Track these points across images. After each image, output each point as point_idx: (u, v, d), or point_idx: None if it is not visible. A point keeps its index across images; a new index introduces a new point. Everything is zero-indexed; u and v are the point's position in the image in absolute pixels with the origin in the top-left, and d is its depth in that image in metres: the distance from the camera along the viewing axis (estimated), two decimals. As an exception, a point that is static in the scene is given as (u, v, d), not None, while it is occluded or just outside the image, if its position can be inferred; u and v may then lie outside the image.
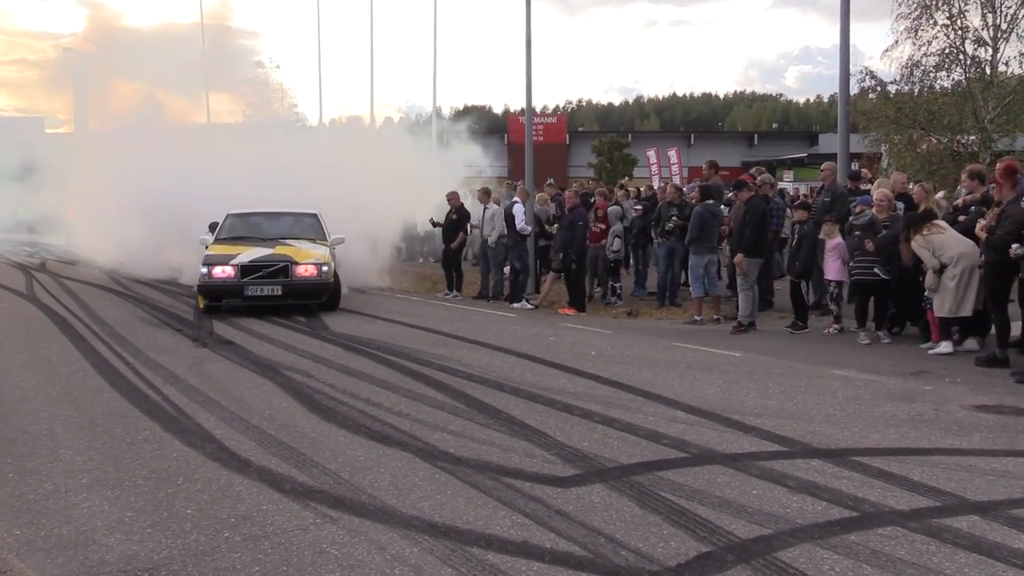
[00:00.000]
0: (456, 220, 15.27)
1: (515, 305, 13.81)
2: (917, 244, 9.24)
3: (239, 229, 13.93)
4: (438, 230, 16.81)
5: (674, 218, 12.87)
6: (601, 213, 13.94)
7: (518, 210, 14.20)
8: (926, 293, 9.43)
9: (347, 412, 6.79)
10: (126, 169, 18.11)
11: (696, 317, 11.80)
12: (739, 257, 11.10)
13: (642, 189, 18.79)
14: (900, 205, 10.77)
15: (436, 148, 25.95)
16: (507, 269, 14.60)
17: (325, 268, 12.61)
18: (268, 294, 12.36)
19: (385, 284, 17.45)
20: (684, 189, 16.29)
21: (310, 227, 14.15)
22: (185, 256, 16.15)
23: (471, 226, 15.79)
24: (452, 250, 15.26)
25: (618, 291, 13.87)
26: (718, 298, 12.07)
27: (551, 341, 10.36)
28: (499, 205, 14.97)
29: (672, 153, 31.23)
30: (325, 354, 9.37)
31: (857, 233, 10.05)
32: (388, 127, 27.85)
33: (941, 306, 9.12)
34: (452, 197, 15.71)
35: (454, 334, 10.81)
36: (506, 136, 54.80)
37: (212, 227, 14.52)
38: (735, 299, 12.01)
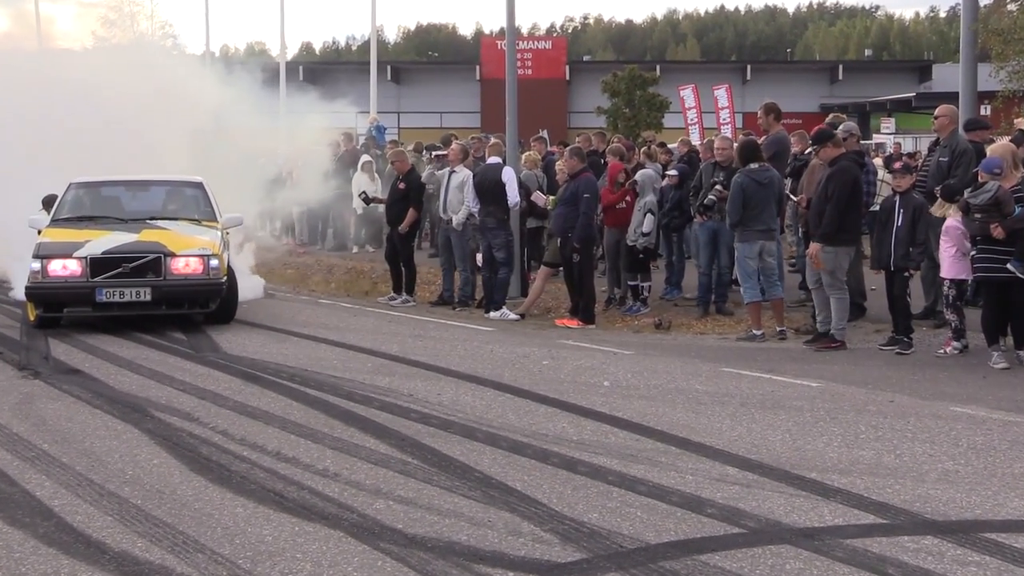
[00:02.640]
0: (405, 192, 15.25)
1: (493, 315, 13.81)
2: None
3: (88, 205, 13.83)
4: (380, 209, 16.83)
5: (717, 187, 12.89)
6: (622, 179, 13.94)
7: (510, 177, 14.16)
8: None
9: (247, 472, 6.75)
10: None
11: (755, 331, 11.87)
12: (814, 247, 11.14)
13: (674, 146, 18.81)
14: None
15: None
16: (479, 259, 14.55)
17: (214, 262, 12.58)
18: (132, 300, 12.31)
19: (304, 285, 17.37)
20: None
21: (192, 202, 14.08)
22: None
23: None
24: (401, 236, 15.23)
25: (645, 293, 13.93)
26: (780, 302, 12.13)
27: (545, 366, 10.35)
28: (471, 169, 14.95)
29: (720, 92, 31.31)
30: (216, 387, 9.32)
31: (978, 216, 10.07)
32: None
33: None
34: (397, 159, 15.71)
35: (404, 357, 10.77)
36: (478, 69, 54.83)
37: (47, 202, 14.42)
38: (810, 304, 12.04)
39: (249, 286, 14.83)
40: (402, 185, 15.28)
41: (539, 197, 15.05)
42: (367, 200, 16.98)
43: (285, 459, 7.02)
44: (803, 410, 8.42)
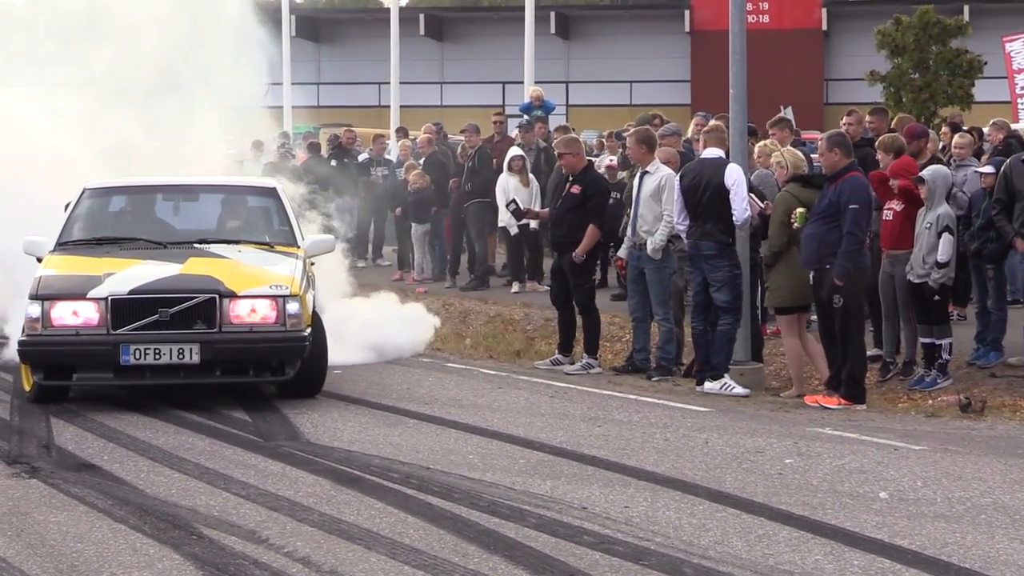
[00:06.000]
0: (581, 199, 15.17)
1: (709, 388, 13.78)
2: None
3: (110, 222, 14.26)
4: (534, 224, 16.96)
5: None
6: (898, 184, 13.80)
7: (737, 179, 13.93)
8: None
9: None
10: None
11: None
12: None
13: (987, 131, 18.53)
14: None
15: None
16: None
17: (293, 306, 12.72)
18: (172, 361, 12.50)
19: (423, 338, 17.51)
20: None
21: (261, 217, 14.50)
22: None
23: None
24: (576, 267, 15.10)
25: (943, 356, 13.75)
26: None
27: (788, 467, 10.34)
28: (672, 168, 14.96)
29: (1070, 42, 30.69)
30: (294, 492, 9.46)
31: None
32: None
33: None
34: (568, 150, 15.51)
35: (574, 450, 10.84)
36: (687, 16, 54.74)
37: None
38: None
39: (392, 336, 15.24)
40: (576, 189, 15.23)
41: None
42: (518, 213, 16.98)
43: (392, 602, 7.13)
44: None
